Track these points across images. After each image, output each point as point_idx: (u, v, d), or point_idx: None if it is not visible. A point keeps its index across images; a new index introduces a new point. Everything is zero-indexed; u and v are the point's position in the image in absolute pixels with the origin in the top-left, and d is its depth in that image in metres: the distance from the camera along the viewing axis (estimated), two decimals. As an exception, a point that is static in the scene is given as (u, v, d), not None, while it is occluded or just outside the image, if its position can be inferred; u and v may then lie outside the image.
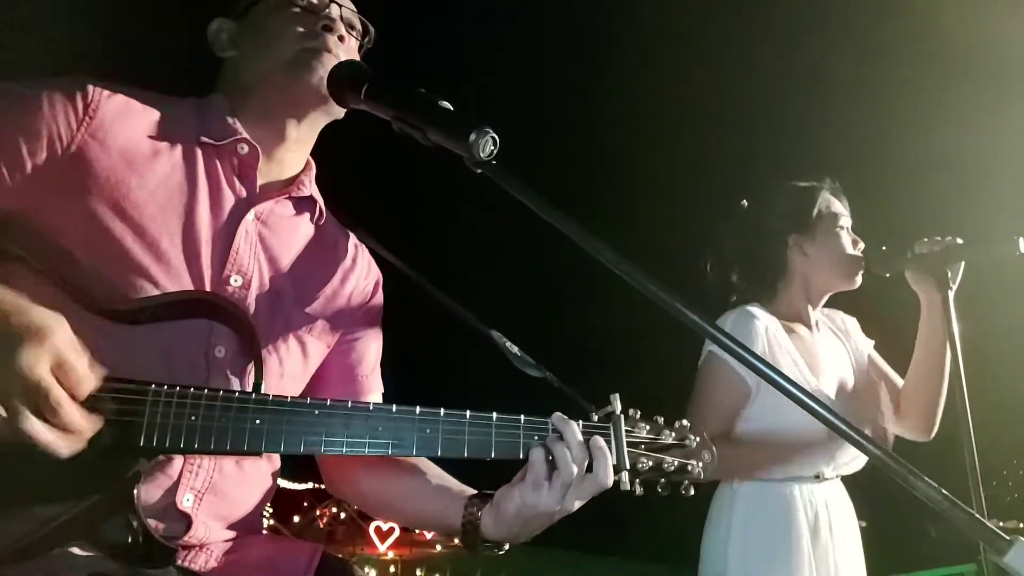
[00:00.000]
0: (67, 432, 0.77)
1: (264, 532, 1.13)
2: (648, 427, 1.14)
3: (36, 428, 0.75)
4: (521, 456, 1.04)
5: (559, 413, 1.06)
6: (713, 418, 1.76)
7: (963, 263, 1.78)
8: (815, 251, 1.91)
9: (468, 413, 1.02)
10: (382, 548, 15.32)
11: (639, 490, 1.10)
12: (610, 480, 1.04)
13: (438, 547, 18.73)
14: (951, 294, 1.75)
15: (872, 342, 2.07)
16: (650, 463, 1.11)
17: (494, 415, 1.03)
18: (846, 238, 1.91)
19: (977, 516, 0.85)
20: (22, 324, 0.75)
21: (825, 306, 2.02)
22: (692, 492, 1.16)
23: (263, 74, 1.14)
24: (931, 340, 1.85)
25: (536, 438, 1.04)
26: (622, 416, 1.11)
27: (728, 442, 1.74)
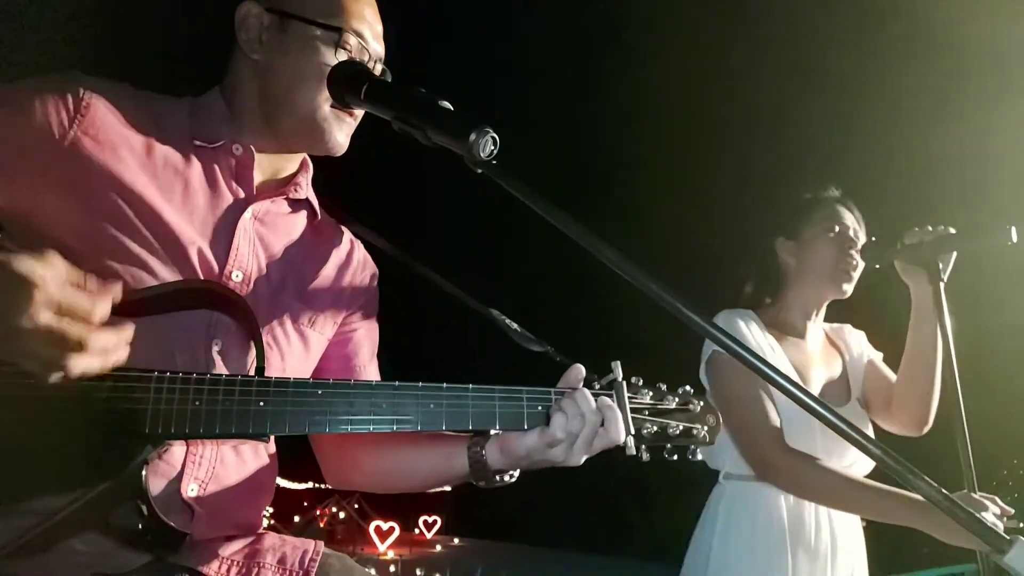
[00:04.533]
0: (105, 352, 0.79)
1: (262, 531, 1.13)
2: (651, 393, 1.15)
3: (77, 367, 0.77)
4: (526, 426, 1.05)
5: (578, 365, 1.10)
6: (757, 410, 1.67)
7: (955, 253, 1.72)
8: (800, 254, 1.89)
9: (471, 386, 1.03)
10: (382, 548, 15.30)
11: (645, 456, 1.11)
12: (622, 436, 1.07)
13: (438, 547, 18.74)
14: (942, 286, 1.70)
15: (880, 354, 2.01)
16: (655, 428, 1.13)
17: (496, 387, 1.05)
18: (831, 243, 1.86)
19: (977, 516, 0.85)
20: (9, 285, 0.74)
21: (828, 319, 2.00)
22: (699, 456, 1.18)
23: (284, 109, 1.12)
24: (922, 333, 1.79)
25: (539, 408, 1.06)
26: (624, 383, 1.12)
27: (822, 468, 1.63)
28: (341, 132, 1.15)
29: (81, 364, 0.77)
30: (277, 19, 1.12)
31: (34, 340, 0.74)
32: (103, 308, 0.79)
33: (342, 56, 1.11)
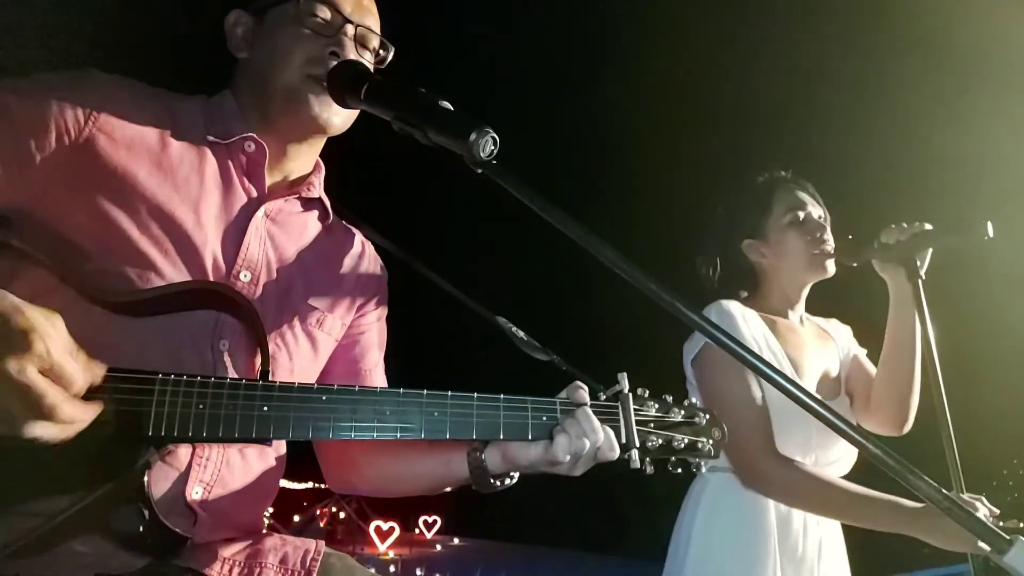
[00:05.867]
0: (68, 424, 0.77)
1: (264, 532, 1.13)
2: (657, 405, 1.15)
3: (34, 431, 0.74)
4: (530, 437, 1.05)
5: (578, 383, 1.10)
6: (747, 413, 1.62)
7: (931, 250, 1.68)
8: (771, 251, 1.85)
9: (475, 395, 1.03)
10: (382, 548, 15.30)
11: (650, 469, 1.11)
12: (615, 454, 1.07)
13: (438, 547, 18.74)
14: (921, 282, 1.66)
15: (864, 351, 1.98)
16: (660, 441, 1.12)
17: (501, 396, 1.04)
18: (801, 232, 1.82)
19: (977, 516, 0.85)
20: (12, 329, 0.73)
21: (812, 312, 1.97)
22: (704, 470, 1.17)
23: (268, 93, 1.12)
24: (901, 330, 1.76)
25: (544, 419, 1.06)
26: (631, 395, 1.12)
27: (812, 476, 1.59)
28: (320, 106, 1.11)
29: (39, 431, 0.74)
30: (257, 16, 1.16)
31: (10, 388, 0.72)
32: (85, 381, 0.78)
33: (314, 26, 1.12)
